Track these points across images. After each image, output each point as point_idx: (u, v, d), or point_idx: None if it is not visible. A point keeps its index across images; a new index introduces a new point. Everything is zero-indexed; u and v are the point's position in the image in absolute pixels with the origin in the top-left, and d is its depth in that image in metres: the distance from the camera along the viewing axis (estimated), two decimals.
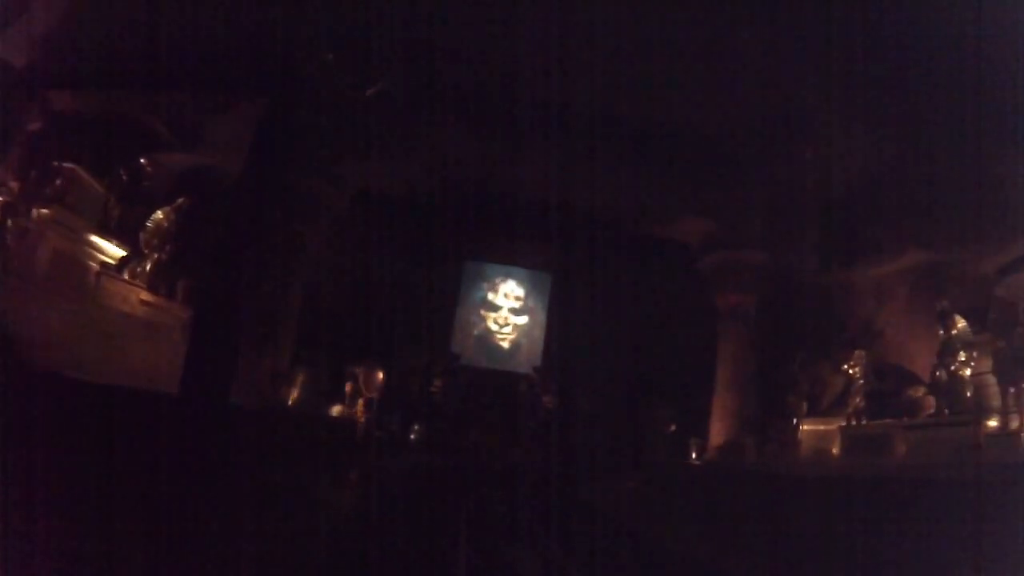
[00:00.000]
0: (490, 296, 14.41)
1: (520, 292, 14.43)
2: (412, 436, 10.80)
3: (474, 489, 9.31)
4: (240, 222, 9.07)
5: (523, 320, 14.34)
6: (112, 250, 8.21)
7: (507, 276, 14.55)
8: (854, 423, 9.29)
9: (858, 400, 9.74)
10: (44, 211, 7.54)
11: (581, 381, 12.36)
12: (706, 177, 9.95)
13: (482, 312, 14.30)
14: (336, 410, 10.05)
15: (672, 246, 11.66)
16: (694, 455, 10.53)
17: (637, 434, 10.98)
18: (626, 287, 12.02)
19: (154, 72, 8.87)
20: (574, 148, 10.15)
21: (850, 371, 10.04)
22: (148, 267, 8.51)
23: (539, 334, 14.10)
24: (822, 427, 9.76)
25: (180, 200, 9.10)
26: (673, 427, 11.02)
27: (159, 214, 9.06)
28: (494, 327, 14.16)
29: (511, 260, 14.45)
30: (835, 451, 9.32)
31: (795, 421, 9.81)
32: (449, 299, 14.02)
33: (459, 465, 10.33)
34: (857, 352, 10.09)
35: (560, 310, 13.91)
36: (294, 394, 9.52)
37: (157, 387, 6.94)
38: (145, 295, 8.24)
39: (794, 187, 9.47)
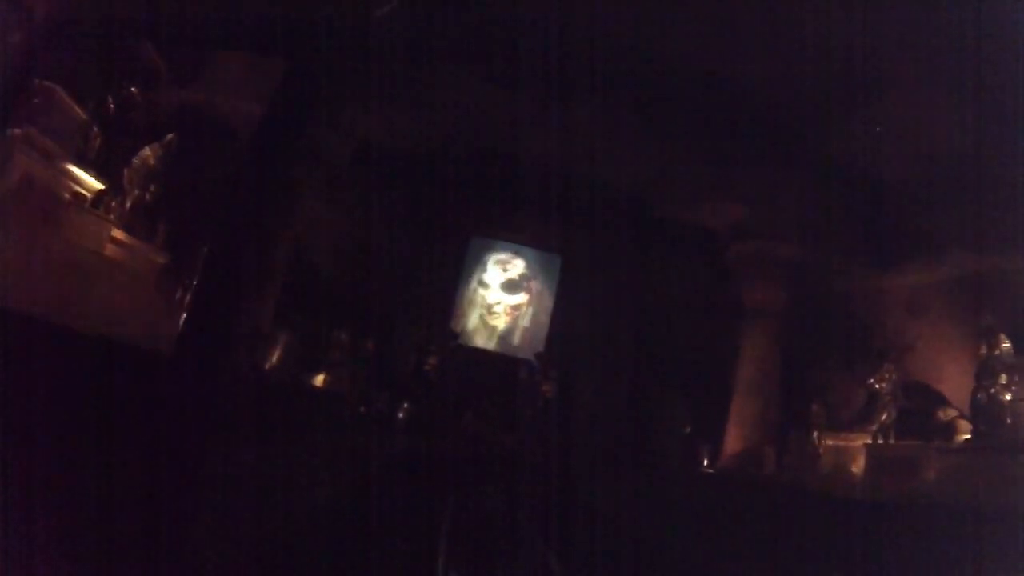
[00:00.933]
0: (496, 275, 13.66)
1: (527, 273, 13.68)
2: (401, 416, 10.08)
3: (463, 479, 8.62)
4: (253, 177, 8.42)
5: (526, 304, 13.60)
6: (89, 182, 7.49)
7: (515, 255, 13.79)
8: (880, 442, 8.57)
9: (884, 418, 9.02)
10: (16, 131, 6.82)
11: (585, 372, 11.64)
12: (742, 155, 9.07)
13: (486, 291, 13.56)
14: (319, 380, 9.33)
15: (697, 232, 10.81)
16: (706, 462, 9.79)
17: (644, 434, 10.21)
18: (643, 274, 11.27)
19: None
20: (595, 120, 9.35)
21: (876, 386, 9.31)
22: (128, 205, 7.78)
23: (545, 319, 13.35)
24: (843, 443, 9.03)
25: (169, 137, 8.37)
26: (688, 429, 10.22)
27: (147, 151, 8.33)
28: (497, 308, 13.43)
29: (522, 239, 13.70)
30: (857, 470, 8.60)
31: (816, 434, 9.07)
32: (452, 274, 13.29)
33: (450, 450, 9.63)
34: (886, 366, 9.35)
35: (569, 295, 13.17)
36: (273, 358, 8.80)
37: (120, 333, 6.22)
38: (120, 234, 7.51)
39: (842, 172, 8.59)
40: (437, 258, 12.69)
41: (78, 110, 7.45)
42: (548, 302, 13.57)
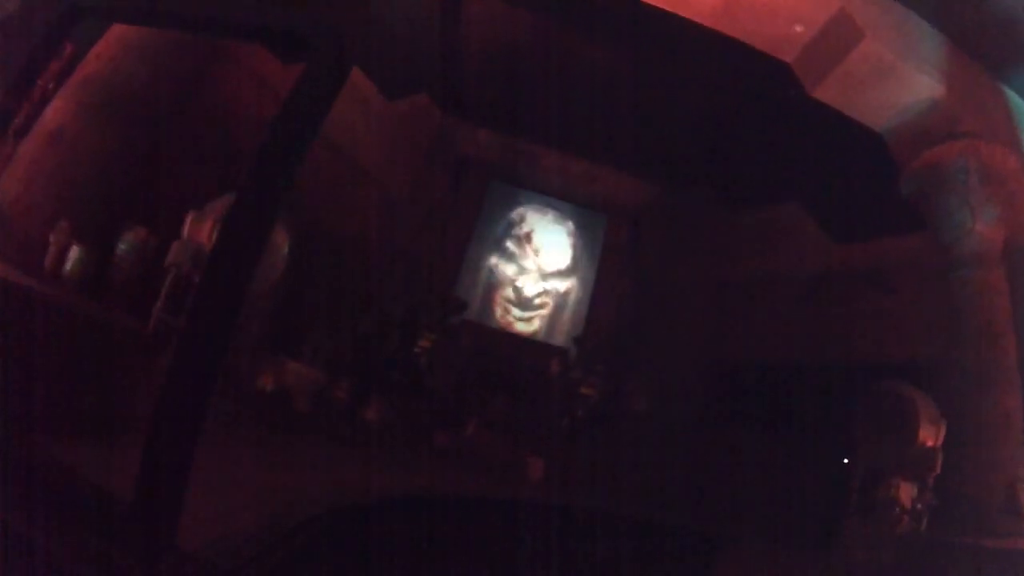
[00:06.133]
0: (522, 233, 10.11)
1: (565, 233, 10.16)
2: (370, 417, 6.61)
3: (462, 535, 5.19)
4: None
5: (565, 272, 10.05)
6: None
7: (550, 209, 10.26)
8: None
9: None
10: None
11: (645, 369, 8.11)
12: None
13: (508, 252, 10.00)
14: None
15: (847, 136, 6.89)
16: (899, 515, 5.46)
17: (772, 485, 6.25)
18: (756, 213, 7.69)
19: None
20: None
21: None
22: None
23: (585, 296, 9.78)
24: None
25: None
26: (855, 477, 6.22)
27: None
28: (521, 275, 9.86)
29: (558, 190, 10.21)
30: None
31: None
32: (464, 225, 9.74)
33: (443, 477, 6.30)
34: None
35: (618, 264, 9.64)
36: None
37: None
38: None
39: None
40: (446, 200, 9.22)
41: None
42: (589, 275, 10.02)
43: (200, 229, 4.10)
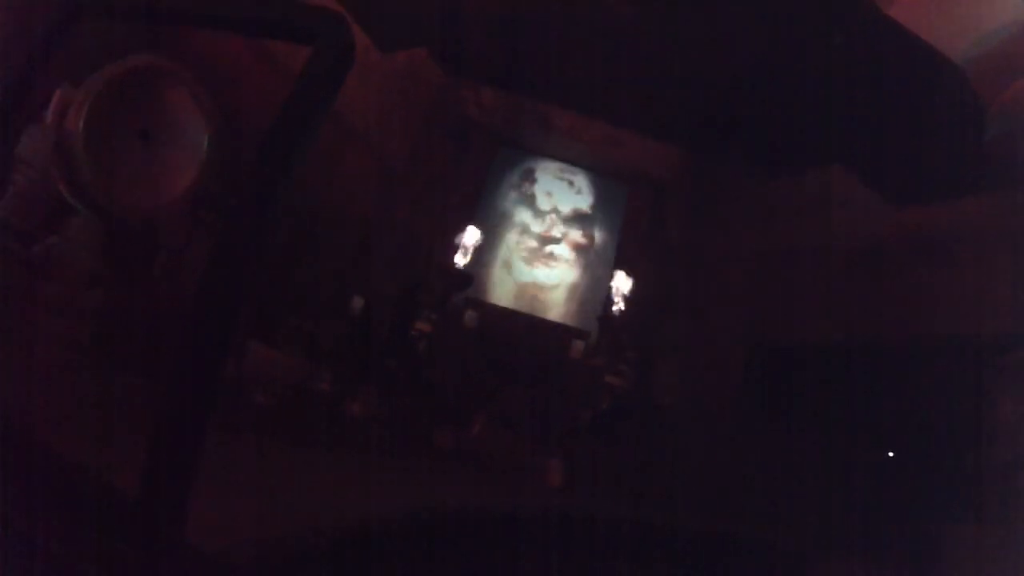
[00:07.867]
0: (533, 201, 9.06)
1: (582, 204, 9.09)
2: (356, 411, 5.55)
3: (465, 540, 4.14)
4: None
5: (582, 244, 8.97)
6: None
7: (563, 177, 9.20)
8: None
9: None
10: None
11: (679, 353, 7.05)
12: None
13: (519, 223, 8.96)
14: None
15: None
16: None
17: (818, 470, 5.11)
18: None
19: None
20: None
21: None
22: None
23: (606, 273, 8.71)
24: None
25: None
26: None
27: None
28: (535, 247, 8.82)
29: (572, 156, 9.15)
30: None
31: None
32: (468, 194, 8.70)
33: (446, 490, 5.30)
34: None
35: (642, 237, 8.58)
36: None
37: None
38: None
39: None
40: (448, 165, 8.20)
41: None
42: (609, 250, 8.95)
43: (70, 111, 2.78)
